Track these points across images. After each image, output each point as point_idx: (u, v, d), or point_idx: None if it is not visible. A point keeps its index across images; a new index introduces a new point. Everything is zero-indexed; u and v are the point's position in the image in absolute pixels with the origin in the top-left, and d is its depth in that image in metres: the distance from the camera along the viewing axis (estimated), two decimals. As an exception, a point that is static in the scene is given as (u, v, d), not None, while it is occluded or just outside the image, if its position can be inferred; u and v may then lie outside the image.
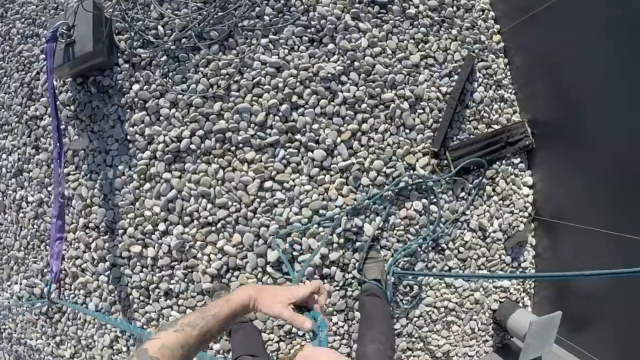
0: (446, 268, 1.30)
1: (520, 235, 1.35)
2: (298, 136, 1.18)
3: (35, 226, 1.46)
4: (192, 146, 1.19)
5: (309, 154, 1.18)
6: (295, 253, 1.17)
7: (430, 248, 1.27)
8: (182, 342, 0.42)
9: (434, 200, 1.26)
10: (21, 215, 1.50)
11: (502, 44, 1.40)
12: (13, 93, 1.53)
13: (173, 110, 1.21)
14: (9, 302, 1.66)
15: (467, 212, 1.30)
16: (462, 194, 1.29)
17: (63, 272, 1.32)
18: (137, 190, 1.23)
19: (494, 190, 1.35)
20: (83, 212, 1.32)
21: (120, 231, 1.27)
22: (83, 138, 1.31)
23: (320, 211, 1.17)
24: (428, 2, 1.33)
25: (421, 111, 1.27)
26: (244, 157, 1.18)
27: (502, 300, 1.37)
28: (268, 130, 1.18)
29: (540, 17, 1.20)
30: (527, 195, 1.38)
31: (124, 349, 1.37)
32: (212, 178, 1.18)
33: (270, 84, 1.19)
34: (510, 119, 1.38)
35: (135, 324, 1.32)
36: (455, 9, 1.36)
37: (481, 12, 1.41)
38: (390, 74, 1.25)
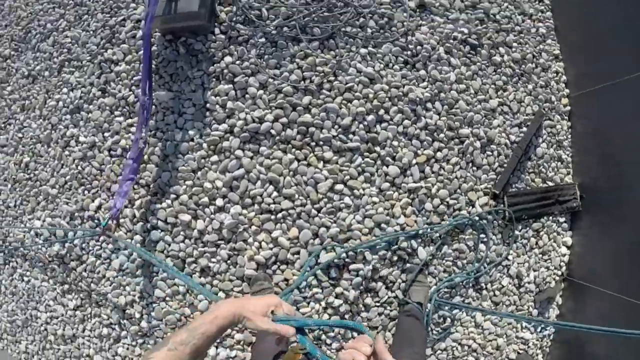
0: (480, 308, 1.25)
1: (550, 291, 1.33)
2: (377, 148, 1.14)
3: (79, 167, 1.34)
4: (272, 131, 1.13)
5: (384, 167, 1.14)
6: (348, 260, 1.11)
7: (470, 284, 1.23)
8: None
9: (485, 239, 1.23)
10: (66, 153, 1.38)
11: (568, 108, 1.41)
12: (92, 32, 1.43)
13: (261, 91, 1.15)
14: (25, 237, 1.50)
15: (510, 257, 1.27)
16: (509, 240, 1.26)
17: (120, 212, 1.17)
18: (203, 160, 1.15)
19: (536, 243, 1.33)
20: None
21: (172, 196, 1.17)
22: (168, 93, 1.21)
23: (382, 225, 1.12)
24: (512, 54, 1.34)
25: (490, 153, 1.25)
26: (321, 155, 1.12)
27: (520, 351, 1.33)
28: (350, 136, 1.14)
29: (605, 91, 1.23)
30: (564, 255, 1.36)
31: (137, 314, 1.24)
32: (285, 167, 1.12)
33: (361, 92, 1.15)
34: (563, 179, 1.38)
35: (155, 292, 1.20)
36: (534, 65, 1.38)
37: (555, 74, 1.43)
38: (470, 112, 1.24)
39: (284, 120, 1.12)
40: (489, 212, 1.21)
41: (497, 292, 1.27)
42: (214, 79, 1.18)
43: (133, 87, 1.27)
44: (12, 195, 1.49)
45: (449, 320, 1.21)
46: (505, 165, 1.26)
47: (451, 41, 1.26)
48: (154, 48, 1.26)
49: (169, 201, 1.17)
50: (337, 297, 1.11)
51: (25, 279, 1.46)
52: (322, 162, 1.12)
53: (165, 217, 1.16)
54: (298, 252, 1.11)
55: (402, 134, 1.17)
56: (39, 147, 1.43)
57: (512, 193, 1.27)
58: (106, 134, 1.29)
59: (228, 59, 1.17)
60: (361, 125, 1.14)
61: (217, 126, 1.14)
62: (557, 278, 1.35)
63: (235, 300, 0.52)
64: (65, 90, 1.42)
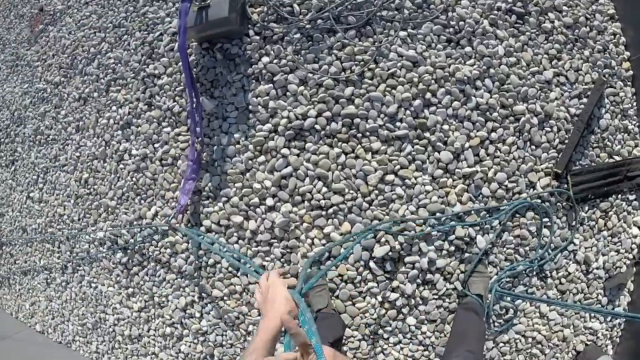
0: (544, 297, 1.11)
1: (621, 276, 1.15)
2: (427, 134, 1.02)
3: (134, 179, 1.35)
4: (317, 126, 1.05)
5: (436, 154, 1.03)
6: (402, 252, 1.02)
7: (534, 272, 1.09)
8: None
9: (548, 223, 1.08)
10: (121, 166, 1.40)
11: (630, 72, 1.20)
12: (132, 50, 1.43)
13: (302, 87, 1.07)
14: (90, 247, 1.57)
15: (576, 242, 1.11)
16: (574, 223, 1.09)
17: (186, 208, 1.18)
18: (250, 162, 1.10)
19: (605, 224, 1.15)
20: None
21: (224, 199, 1.14)
22: (212, 101, 1.18)
23: (437, 214, 1.01)
24: (563, 19, 1.15)
25: (549, 129, 1.09)
26: (369, 146, 1.03)
27: (588, 342, 1.18)
28: (398, 124, 1.03)
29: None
30: (636, 236, 1.17)
31: (197, 314, 1.24)
32: (333, 162, 1.04)
33: (405, 77, 1.04)
34: (631, 152, 1.18)
35: (212, 292, 1.19)
36: (588, 29, 1.18)
37: (612, 36, 1.21)
38: (523, 87, 1.08)
39: (328, 114, 1.04)
40: (551, 194, 1.06)
41: (563, 280, 1.12)
42: (253, 81, 1.13)
43: (177, 98, 1.25)
44: (76, 209, 1.54)
45: (511, 311, 1.08)
46: (566, 141, 1.09)
47: (495, 12, 1.10)
48: (192, 58, 1.22)
49: (220, 204, 1.14)
50: (393, 290, 1.03)
51: (93, 285, 1.52)
52: (370, 153, 1.03)
53: (218, 219, 1.14)
54: (351, 247, 1.03)
55: (452, 116, 1.04)
56: (95, 164, 1.47)
57: (575, 171, 1.10)
58: (156, 145, 1.29)
59: (265, 59, 1.11)
60: (408, 112, 1.03)
61: (261, 127, 1.09)
62: (628, 262, 1.16)
63: (280, 307, 0.53)
64: (114, 108, 1.44)
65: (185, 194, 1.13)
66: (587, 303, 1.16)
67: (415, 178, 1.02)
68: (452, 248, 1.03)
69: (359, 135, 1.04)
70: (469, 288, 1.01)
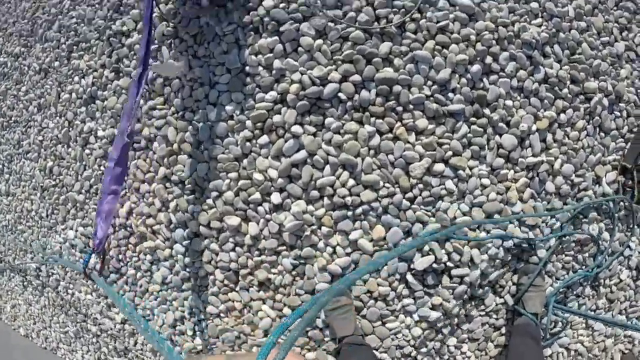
0: (594, 307, 0.80)
1: None
2: (487, 111, 0.63)
3: (102, 167, 0.87)
4: (341, 95, 0.62)
5: (497, 137, 0.64)
6: (449, 264, 0.65)
7: (589, 282, 0.77)
8: None
9: (610, 226, 0.75)
10: (87, 152, 0.91)
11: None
12: (97, 5, 0.91)
13: (319, 41, 0.64)
14: (60, 248, 1.09)
15: (632, 245, 0.80)
16: (632, 225, 0.76)
17: (113, 238, 0.76)
18: (248, 143, 0.67)
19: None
20: (166, 159, 0.75)
21: (214, 193, 0.71)
22: (180, 62, 0.72)
23: (495, 216, 0.64)
24: (630, -18, 0.80)
25: (618, 114, 0.73)
26: (412, 123, 0.63)
27: (625, 351, 0.90)
28: (450, 94, 0.63)
29: None
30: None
31: (189, 332, 0.83)
32: (363, 144, 0.63)
33: (460, 33, 0.63)
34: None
35: (206, 308, 0.77)
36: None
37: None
38: (595, 59, 0.70)
39: (357, 78, 0.62)
40: (616, 192, 0.72)
41: (613, 288, 0.80)
42: (251, 33, 0.67)
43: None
44: (43, 204, 1.05)
45: (560, 324, 0.76)
46: (635, 130, 0.76)
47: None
48: (169, 6, 0.74)
49: (210, 200, 0.71)
50: (433, 308, 0.67)
51: (70, 291, 1.06)
52: (414, 133, 0.63)
53: (207, 220, 0.72)
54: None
55: (516, 89, 0.65)
56: (59, 149, 0.97)
57: (643, 165, 0.78)
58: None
59: (268, 2, 0.65)
60: (464, 80, 0.63)
61: (262, 95, 0.65)
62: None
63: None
64: (76, 79, 0.92)
65: (103, 219, 0.63)
66: (632, 311, 0.87)
67: (471, 169, 0.64)
68: (509, 257, 0.68)
69: (399, 108, 0.63)
70: (525, 305, 0.67)
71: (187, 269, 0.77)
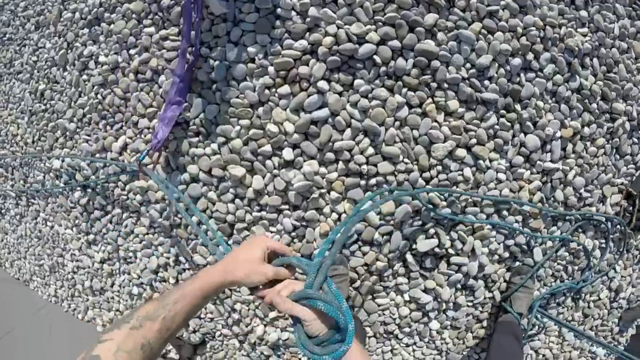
0: (569, 318, 0.83)
1: (638, 311, 0.91)
2: (518, 107, 0.63)
3: (99, 96, 0.80)
4: (376, 58, 0.59)
5: (522, 135, 0.64)
6: (451, 250, 0.64)
7: (572, 293, 0.79)
8: (142, 341, 0.26)
9: (604, 246, 0.77)
10: (84, 77, 0.83)
11: None
12: None
13: (365, -3, 0.62)
14: (45, 178, 0.99)
15: (617, 268, 0.83)
16: (622, 249, 0.79)
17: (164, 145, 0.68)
18: (267, 91, 0.63)
19: (645, 256, 0.89)
20: (177, 96, 0.70)
21: (220, 139, 0.67)
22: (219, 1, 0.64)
23: (503, 212, 0.64)
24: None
25: (636, 140, 0.74)
26: (444, 102, 0.61)
27: None
28: (487, 82, 0.61)
29: None
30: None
31: (172, 280, 0.80)
32: (390, 114, 0.60)
33: (508, 22, 0.61)
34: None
35: (193, 258, 0.73)
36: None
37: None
38: (628, 82, 0.70)
39: (396, 43, 0.59)
40: (620, 214, 0.73)
41: (591, 305, 0.83)
42: (293, -28, 0.64)
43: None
44: (30, 129, 0.97)
45: (537, 328, 0.79)
46: None
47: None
48: None
49: (214, 146, 0.67)
50: (425, 291, 0.67)
51: (49, 224, 1.00)
52: (443, 113, 0.62)
53: (209, 167, 0.68)
54: (390, 233, 0.64)
55: (550, 92, 0.65)
56: (54, 72, 0.88)
57: (645, 195, 0.80)
58: (132, 52, 0.74)
59: (318, -55, 0.62)
60: (502, 70, 0.62)
61: (291, 42, 0.61)
62: (650, 297, 0.93)
63: (223, 264, 0.31)
64: (85, -4, 0.85)
65: (165, 123, 0.66)
66: (602, 329, 0.91)
67: (491, 160, 0.64)
68: (507, 254, 0.68)
69: (434, 84, 0.61)
70: (512, 304, 0.69)
71: (179, 215, 0.73)
